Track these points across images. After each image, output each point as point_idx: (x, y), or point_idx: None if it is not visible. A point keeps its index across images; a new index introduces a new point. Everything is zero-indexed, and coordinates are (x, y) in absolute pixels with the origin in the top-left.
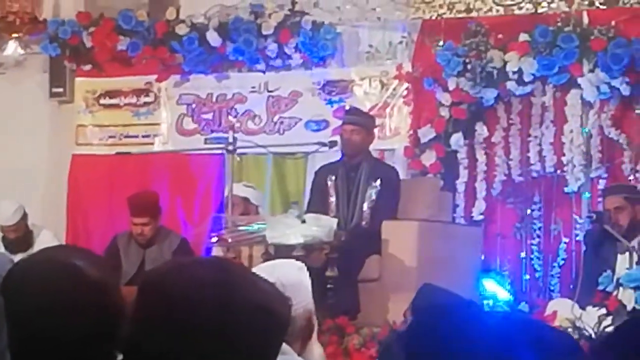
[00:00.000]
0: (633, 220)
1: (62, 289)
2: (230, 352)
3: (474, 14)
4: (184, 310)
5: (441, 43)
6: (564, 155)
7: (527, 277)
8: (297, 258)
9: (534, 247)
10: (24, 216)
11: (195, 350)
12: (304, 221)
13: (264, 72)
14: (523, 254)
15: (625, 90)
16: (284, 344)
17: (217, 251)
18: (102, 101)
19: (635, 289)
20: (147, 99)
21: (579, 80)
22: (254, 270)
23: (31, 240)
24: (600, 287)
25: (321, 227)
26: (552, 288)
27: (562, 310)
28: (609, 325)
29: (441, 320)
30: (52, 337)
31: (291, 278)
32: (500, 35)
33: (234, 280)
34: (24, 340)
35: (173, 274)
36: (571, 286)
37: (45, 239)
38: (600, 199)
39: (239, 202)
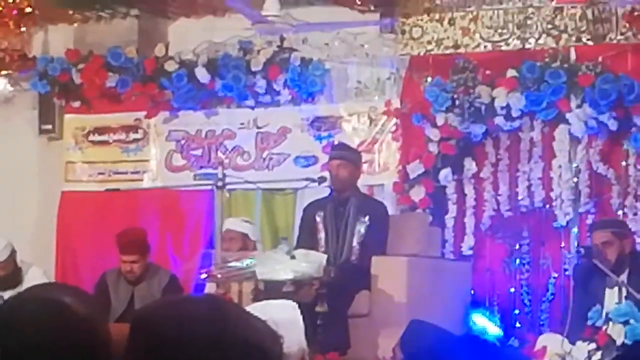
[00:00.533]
0: (621, 254)
1: (51, 327)
2: None
3: (461, 50)
4: (176, 347)
5: (429, 79)
6: (552, 190)
7: (517, 311)
8: (287, 294)
9: (523, 282)
10: (13, 253)
11: None
12: (293, 257)
13: (252, 108)
14: (512, 289)
15: (612, 125)
16: None
17: (208, 287)
18: (91, 138)
19: (625, 323)
20: (136, 136)
21: (567, 115)
22: (247, 309)
23: (20, 278)
24: (590, 322)
25: (311, 262)
26: (541, 323)
27: (551, 345)
28: None
29: (429, 357)
30: None
31: (285, 317)
32: (488, 71)
33: (226, 317)
34: None
35: (164, 311)
36: (561, 321)
37: (34, 276)
38: (588, 234)
39: (237, 237)
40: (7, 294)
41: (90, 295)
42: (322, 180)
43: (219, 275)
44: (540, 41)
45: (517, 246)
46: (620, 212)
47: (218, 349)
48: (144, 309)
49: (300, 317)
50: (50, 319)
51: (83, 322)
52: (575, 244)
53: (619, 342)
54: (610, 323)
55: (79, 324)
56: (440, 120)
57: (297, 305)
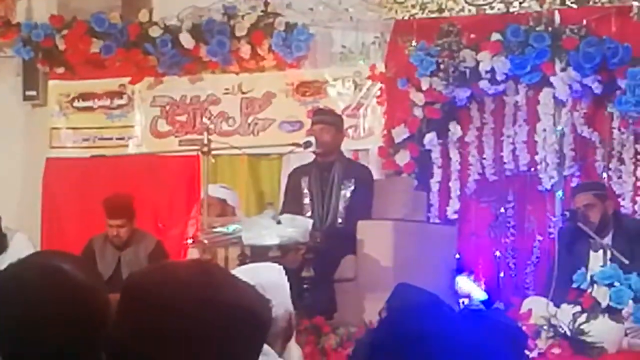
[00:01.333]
0: (604, 216)
1: (51, 293)
2: (212, 352)
3: (446, 14)
4: (166, 311)
5: (414, 43)
6: (537, 153)
7: (502, 275)
8: (273, 259)
9: (508, 246)
10: None
11: (178, 351)
12: (279, 222)
13: (237, 73)
14: (497, 253)
15: (597, 89)
16: (264, 345)
17: (192, 253)
18: (75, 104)
19: (609, 286)
20: (120, 102)
21: (552, 79)
22: (233, 272)
23: (5, 244)
24: (575, 285)
25: (297, 227)
26: (526, 286)
27: (537, 308)
28: (584, 322)
29: (412, 318)
30: (40, 342)
31: (271, 280)
32: (472, 35)
33: (215, 281)
34: (12, 346)
35: (154, 276)
36: (546, 284)
37: (19, 242)
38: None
39: (215, 204)
40: None
41: (89, 262)
42: (307, 145)
43: (205, 241)
44: (525, 4)
45: (502, 210)
46: (604, 175)
47: (208, 313)
48: (133, 275)
49: (286, 280)
50: (50, 286)
51: (82, 288)
52: (560, 207)
53: (604, 305)
54: (595, 285)
55: (79, 290)
56: (425, 85)
57: (282, 268)
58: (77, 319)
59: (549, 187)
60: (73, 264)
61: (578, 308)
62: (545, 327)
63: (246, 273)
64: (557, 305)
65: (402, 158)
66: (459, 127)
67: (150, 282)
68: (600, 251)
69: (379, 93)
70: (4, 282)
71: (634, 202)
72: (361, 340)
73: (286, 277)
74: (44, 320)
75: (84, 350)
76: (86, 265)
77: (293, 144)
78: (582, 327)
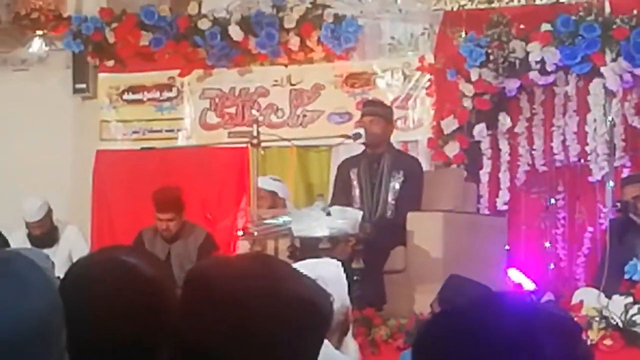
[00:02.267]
0: None
1: (120, 288)
2: (276, 343)
3: (495, 4)
4: (230, 303)
5: (463, 34)
6: (587, 144)
7: (552, 266)
8: (323, 250)
9: (559, 237)
10: (49, 212)
11: (243, 342)
12: (329, 214)
13: (286, 65)
14: (548, 244)
15: None
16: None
17: (242, 244)
18: (125, 97)
19: None
20: (170, 94)
21: (602, 69)
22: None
23: (56, 236)
24: (627, 276)
25: (346, 219)
26: (577, 277)
27: (588, 300)
28: (636, 314)
29: (468, 311)
30: (111, 337)
31: (331, 275)
32: (522, 26)
33: (278, 274)
34: (83, 340)
35: (218, 268)
36: (597, 275)
37: (70, 235)
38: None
39: (266, 196)
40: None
41: (156, 257)
42: (357, 136)
43: (255, 233)
44: None
45: (552, 201)
46: None
47: (270, 305)
48: (196, 267)
49: (344, 275)
50: (118, 281)
51: (151, 283)
52: (611, 198)
53: None
54: None
55: (147, 285)
56: (474, 76)
57: (340, 263)
58: (147, 312)
59: (599, 177)
60: (140, 258)
61: (630, 299)
62: (596, 319)
63: (305, 267)
64: (609, 297)
65: (452, 149)
66: (508, 118)
67: (212, 275)
68: None
69: (428, 84)
70: (73, 279)
71: None
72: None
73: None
74: (114, 315)
75: (156, 343)
76: (152, 259)
77: (342, 136)
78: (634, 318)
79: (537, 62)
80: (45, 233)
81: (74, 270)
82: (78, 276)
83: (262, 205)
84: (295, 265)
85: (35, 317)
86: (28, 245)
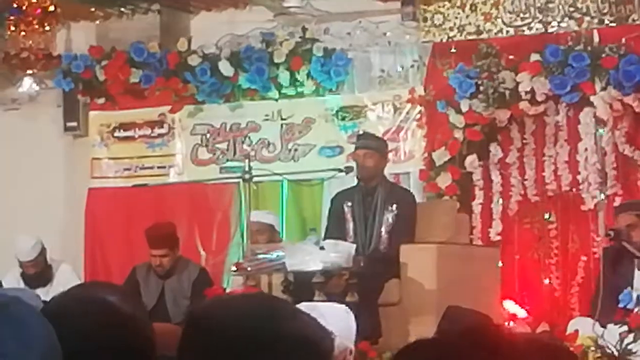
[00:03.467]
0: None
1: (97, 325)
2: None
3: (484, 35)
4: (231, 343)
5: (453, 65)
6: (579, 173)
7: (547, 296)
8: (317, 285)
9: (552, 266)
10: (43, 251)
11: None
12: (322, 248)
13: (276, 99)
14: (541, 274)
15: (638, 107)
16: None
17: (236, 280)
18: (116, 134)
19: None
20: (161, 131)
21: (592, 98)
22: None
23: (50, 275)
24: (621, 305)
25: (340, 253)
26: (572, 307)
27: (583, 329)
28: (631, 343)
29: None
30: None
31: (335, 315)
32: (511, 56)
33: (278, 313)
34: None
35: (218, 309)
36: (591, 304)
37: (64, 274)
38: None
39: (265, 229)
40: (38, 292)
41: (133, 293)
42: (348, 170)
43: (249, 268)
44: (563, 24)
45: (545, 231)
46: None
47: (272, 345)
48: (197, 308)
49: (353, 321)
50: (96, 318)
51: (128, 320)
52: (604, 226)
53: None
54: None
55: (124, 322)
56: (464, 107)
57: (349, 309)
58: (121, 351)
59: (591, 206)
60: (117, 296)
61: (625, 328)
62: (592, 348)
63: (310, 309)
64: (604, 326)
65: (444, 181)
66: (499, 149)
67: (213, 315)
68: None
69: (418, 116)
70: (48, 315)
71: None
72: None
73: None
74: (89, 354)
75: None
76: (129, 297)
77: (334, 169)
78: (629, 347)
79: (527, 92)
80: (39, 272)
81: (47, 308)
82: (52, 314)
83: (261, 239)
84: (302, 306)
85: None
86: (22, 284)
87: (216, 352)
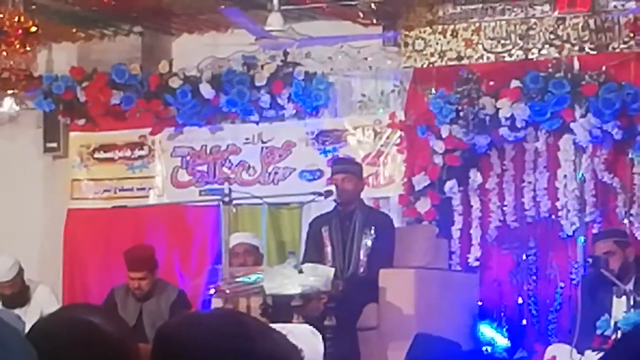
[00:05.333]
0: (624, 263)
1: (83, 347)
2: None
3: (465, 61)
4: None
5: (433, 91)
6: (558, 200)
7: (525, 322)
8: (295, 308)
9: (531, 292)
10: (20, 272)
11: None
12: (301, 271)
13: (257, 123)
14: (520, 300)
15: (617, 135)
16: None
17: (215, 302)
18: (96, 155)
19: None
20: (141, 152)
21: (572, 125)
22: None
23: (28, 296)
24: (599, 332)
25: (318, 276)
26: (549, 333)
27: (560, 356)
28: None
29: None
30: None
31: (302, 338)
32: (491, 82)
33: (249, 331)
34: None
35: (188, 327)
36: (569, 331)
37: (41, 295)
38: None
39: (251, 250)
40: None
41: (117, 315)
42: (328, 194)
43: (227, 291)
44: (543, 51)
45: (524, 257)
46: (626, 221)
47: None
48: (166, 326)
49: (320, 343)
50: (81, 339)
51: (113, 341)
52: (582, 253)
53: None
54: (619, 332)
55: (110, 343)
56: (444, 132)
57: (316, 331)
58: None
59: (570, 233)
60: (102, 317)
61: (602, 355)
62: None
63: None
64: (581, 352)
65: (423, 206)
66: (479, 174)
67: (184, 333)
68: (624, 297)
69: (399, 141)
70: (34, 337)
71: None
72: None
73: (320, 338)
74: None
75: None
76: (115, 317)
77: (313, 193)
78: None
79: (507, 119)
80: (16, 293)
81: (32, 331)
82: (37, 336)
83: (249, 260)
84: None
85: None
86: None
87: None
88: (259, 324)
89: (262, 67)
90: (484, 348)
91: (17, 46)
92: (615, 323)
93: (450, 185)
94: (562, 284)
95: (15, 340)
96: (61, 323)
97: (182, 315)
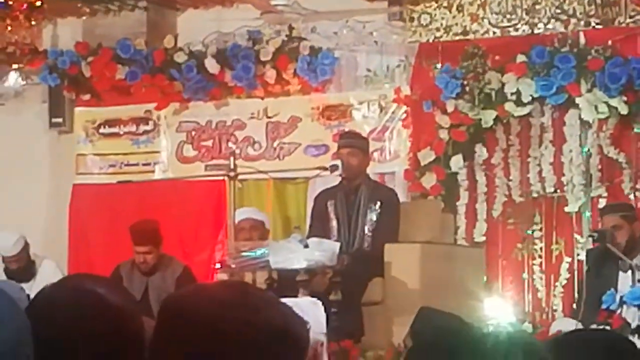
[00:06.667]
0: (631, 238)
1: (87, 316)
2: None
3: (470, 36)
4: (206, 331)
5: (439, 66)
6: (563, 175)
7: (530, 297)
8: (301, 283)
9: (536, 268)
10: (26, 246)
11: None
12: (306, 246)
13: (262, 98)
14: (525, 275)
15: (623, 109)
16: None
17: (220, 277)
18: (101, 130)
19: (639, 306)
20: (146, 127)
21: (577, 100)
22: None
23: (33, 271)
24: (604, 306)
25: (324, 251)
26: (555, 308)
27: (565, 330)
28: None
29: (440, 343)
30: None
31: (304, 309)
32: (497, 57)
33: (253, 302)
34: None
35: (193, 297)
36: (574, 305)
37: (47, 269)
38: (599, 218)
39: (258, 225)
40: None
41: (122, 285)
42: (334, 168)
43: (233, 265)
44: (549, 26)
45: (530, 232)
46: (631, 196)
47: (247, 333)
48: (171, 296)
49: (322, 312)
50: (86, 309)
51: (117, 311)
52: (588, 228)
53: (633, 325)
54: (625, 306)
55: (114, 313)
56: (450, 107)
57: (318, 301)
58: (111, 341)
59: (576, 208)
60: (107, 287)
61: (608, 329)
62: None
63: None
64: (586, 327)
65: (429, 181)
66: (485, 150)
67: (188, 303)
68: (629, 272)
69: (404, 116)
70: (39, 306)
71: None
72: None
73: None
74: (79, 344)
75: None
76: (119, 288)
77: (319, 168)
78: None
79: (512, 94)
80: (22, 267)
81: (39, 299)
82: (42, 304)
83: (254, 235)
84: None
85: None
86: (4, 279)
87: (190, 339)
88: (264, 294)
89: (267, 42)
90: (489, 323)
91: (22, 20)
92: (621, 297)
93: (456, 160)
94: (567, 259)
95: (5, 311)
96: (65, 292)
97: (189, 286)
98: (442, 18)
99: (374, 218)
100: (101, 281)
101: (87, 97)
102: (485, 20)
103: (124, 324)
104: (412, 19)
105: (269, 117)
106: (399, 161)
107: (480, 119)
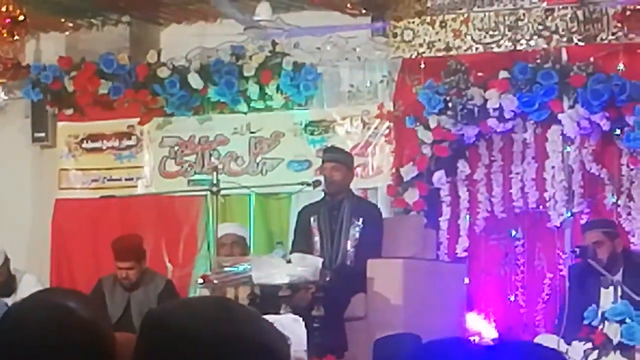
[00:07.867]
0: (612, 254)
1: (57, 330)
2: None
3: (453, 52)
4: (185, 346)
5: (422, 81)
6: (546, 191)
7: (512, 313)
8: (283, 298)
9: (518, 283)
10: (6, 261)
11: None
12: (289, 261)
13: (245, 113)
14: (507, 290)
15: (605, 126)
16: None
17: (203, 292)
18: (84, 145)
19: (621, 322)
20: (129, 142)
21: (560, 116)
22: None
23: (14, 285)
24: (586, 322)
25: (307, 266)
26: (537, 323)
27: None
28: (595, 359)
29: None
30: None
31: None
32: (480, 73)
33: (235, 317)
34: None
35: (174, 312)
36: (556, 321)
37: (28, 284)
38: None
39: (239, 241)
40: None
41: (93, 299)
42: (317, 184)
43: (215, 280)
44: (532, 42)
45: (512, 247)
46: (614, 213)
47: (228, 349)
48: (152, 311)
49: (303, 329)
50: (56, 323)
51: (88, 325)
52: (570, 244)
53: (615, 341)
54: (606, 322)
55: (85, 327)
56: (433, 123)
57: (299, 318)
58: (81, 356)
59: (558, 224)
60: (78, 302)
61: (589, 345)
62: None
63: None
64: (569, 343)
65: (411, 196)
66: (467, 165)
67: (169, 318)
68: (611, 288)
69: (387, 131)
70: (9, 321)
71: None
72: None
73: (303, 325)
74: (49, 356)
75: None
76: (92, 303)
77: (302, 183)
78: None
79: (495, 109)
80: (2, 282)
81: (9, 313)
82: (13, 318)
83: (236, 251)
84: None
85: None
86: None
87: (170, 353)
88: (247, 310)
89: (250, 57)
90: (471, 339)
91: (5, 35)
92: (603, 313)
93: (439, 176)
94: (549, 275)
95: None
96: (36, 305)
97: (169, 301)
98: (425, 34)
99: (357, 234)
100: (72, 295)
101: (70, 111)
102: (468, 37)
103: (94, 339)
104: (395, 35)
105: (252, 133)
106: (382, 177)
107: (463, 135)
